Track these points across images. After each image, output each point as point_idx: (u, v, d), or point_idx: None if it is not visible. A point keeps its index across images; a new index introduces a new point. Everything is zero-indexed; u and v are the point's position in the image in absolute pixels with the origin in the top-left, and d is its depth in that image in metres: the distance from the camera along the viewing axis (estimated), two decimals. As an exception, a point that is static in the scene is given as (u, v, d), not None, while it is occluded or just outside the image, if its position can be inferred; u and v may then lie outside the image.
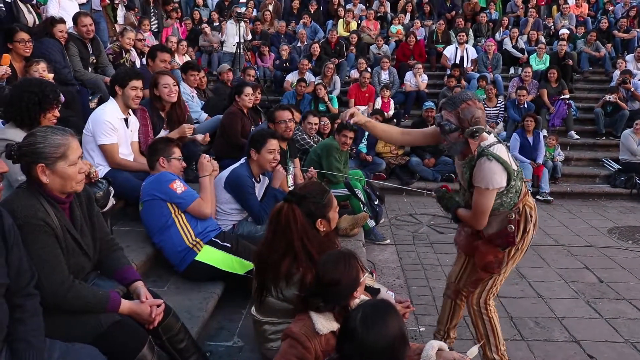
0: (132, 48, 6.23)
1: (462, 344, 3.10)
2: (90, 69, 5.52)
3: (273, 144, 3.69)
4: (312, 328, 1.99)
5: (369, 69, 9.56)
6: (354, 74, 9.93)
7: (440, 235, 5.70)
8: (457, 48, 10.59)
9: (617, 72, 9.87)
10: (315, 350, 1.96)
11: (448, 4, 12.55)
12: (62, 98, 3.25)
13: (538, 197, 7.39)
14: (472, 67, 10.42)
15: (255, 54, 10.28)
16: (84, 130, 3.64)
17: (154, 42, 8.03)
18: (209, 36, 10.57)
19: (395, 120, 8.93)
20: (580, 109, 9.64)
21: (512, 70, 10.76)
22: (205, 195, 3.32)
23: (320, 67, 9.54)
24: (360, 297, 2.15)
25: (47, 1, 6.46)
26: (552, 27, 12.02)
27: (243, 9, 11.62)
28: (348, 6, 12.17)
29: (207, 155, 3.59)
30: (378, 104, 8.95)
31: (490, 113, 8.90)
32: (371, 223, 5.15)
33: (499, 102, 9.08)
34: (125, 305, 2.11)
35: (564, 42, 10.41)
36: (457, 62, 10.26)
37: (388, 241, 5.31)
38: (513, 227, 2.57)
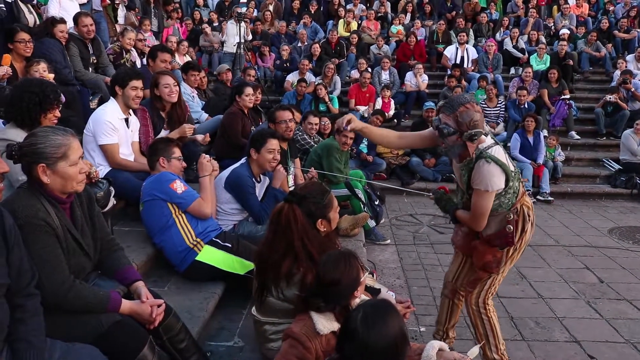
0: (132, 48, 6.23)
1: (462, 344, 3.10)
2: (90, 69, 5.52)
3: (273, 143, 3.69)
4: (313, 328, 1.99)
5: (370, 69, 9.55)
6: (355, 74, 9.92)
7: (440, 235, 5.69)
8: (457, 48, 10.59)
9: (617, 72, 9.86)
10: (316, 350, 1.96)
11: (448, 4, 12.54)
12: (63, 98, 3.25)
13: (538, 197, 7.39)
14: (473, 67, 10.41)
15: (256, 54, 10.27)
16: (84, 131, 3.64)
17: (154, 42, 8.03)
18: (210, 36, 10.56)
19: (395, 120, 8.94)
20: (581, 109, 9.64)
21: (512, 71, 10.75)
22: (205, 195, 3.32)
23: (320, 67, 9.53)
24: (361, 297, 2.15)
25: (48, 1, 6.47)
26: (553, 27, 12.02)
27: (243, 9, 11.61)
28: (348, 6, 12.16)
29: (207, 155, 3.60)
30: (378, 104, 8.95)
31: (490, 113, 8.92)
32: (372, 223, 5.16)
33: (500, 102, 9.07)
34: (126, 305, 2.11)
35: (565, 42, 10.41)
36: (458, 62, 10.26)
37: (388, 241, 5.31)
38: (512, 228, 2.58)
